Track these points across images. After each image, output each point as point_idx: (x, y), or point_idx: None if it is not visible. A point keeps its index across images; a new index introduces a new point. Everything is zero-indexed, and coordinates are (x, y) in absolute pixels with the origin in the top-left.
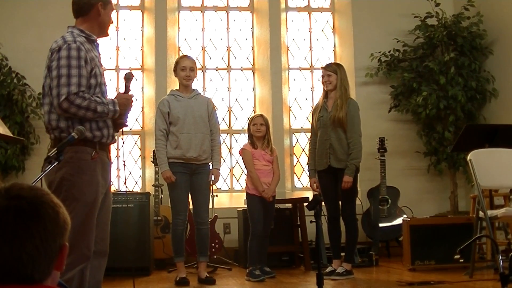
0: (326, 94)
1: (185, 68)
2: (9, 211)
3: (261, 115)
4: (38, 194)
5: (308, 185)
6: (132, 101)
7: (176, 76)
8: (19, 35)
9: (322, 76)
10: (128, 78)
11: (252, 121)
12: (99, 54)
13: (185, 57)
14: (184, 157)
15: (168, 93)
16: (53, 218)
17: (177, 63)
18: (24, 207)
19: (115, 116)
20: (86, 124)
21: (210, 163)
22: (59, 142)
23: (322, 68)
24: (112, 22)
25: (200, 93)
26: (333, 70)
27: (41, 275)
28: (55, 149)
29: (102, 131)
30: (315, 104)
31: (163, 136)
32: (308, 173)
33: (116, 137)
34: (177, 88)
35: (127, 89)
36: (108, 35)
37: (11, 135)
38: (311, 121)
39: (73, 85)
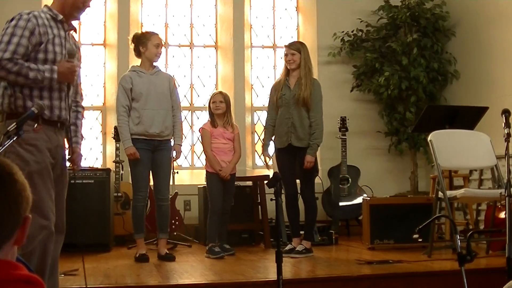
0: (287, 72)
1: (159, 46)
2: None
3: (220, 92)
4: (6, 163)
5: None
6: (75, 71)
7: (143, 51)
8: None
9: (286, 55)
10: (70, 53)
11: (212, 99)
12: (67, 35)
13: (156, 34)
14: (147, 133)
15: (129, 69)
16: (20, 187)
17: (148, 38)
18: None
19: (52, 84)
20: (29, 97)
21: (171, 140)
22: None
23: (285, 46)
24: (82, 7)
25: (160, 70)
26: (296, 49)
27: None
28: (14, 123)
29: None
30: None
31: (125, 112)
32: (262, 148)
33: (69, 120)
34: (138, 64)
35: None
36: (77, 19)
37: None
38: (270, 97)
39: (8, 52)
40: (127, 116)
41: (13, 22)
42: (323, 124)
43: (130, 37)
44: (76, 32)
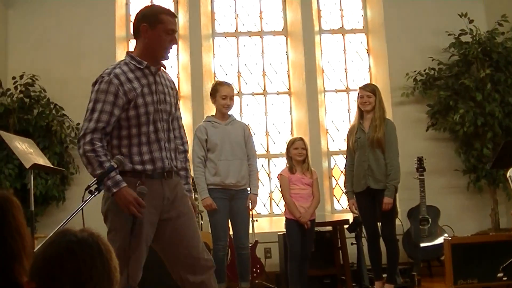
0: (361, 115)
1: (226, 97)
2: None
3: (302, 139)
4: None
5: (347, 207)
6: (130, 207)
7: (213, 102)
8: (56, 67)
9: (361, 97)
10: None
11: (293, 145)
12: (155, 81)
13: (225, 85)
14: (223, 184)
15: (204, 119)
16: (115, 269)
17: (216, 90)
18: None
19: (109, 192)
20: (129, 156)
21: (248, 188)
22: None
23: (360, 88)
24: (168, 45)
25: (235, 119)
26: (371, 91)
27: None
28: (95, 179)
29: (145, 165)
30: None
31: (201, 163)
32: (346, 195)
33: (177, 165)
34: (213, 114)
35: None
36: (163, 60)
37: (51, 166)
38: (346, 142)
39: (92, 121)
40: (203, 166)
41: (96, 87)
42: (399, 165)
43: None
44: (165, 69)
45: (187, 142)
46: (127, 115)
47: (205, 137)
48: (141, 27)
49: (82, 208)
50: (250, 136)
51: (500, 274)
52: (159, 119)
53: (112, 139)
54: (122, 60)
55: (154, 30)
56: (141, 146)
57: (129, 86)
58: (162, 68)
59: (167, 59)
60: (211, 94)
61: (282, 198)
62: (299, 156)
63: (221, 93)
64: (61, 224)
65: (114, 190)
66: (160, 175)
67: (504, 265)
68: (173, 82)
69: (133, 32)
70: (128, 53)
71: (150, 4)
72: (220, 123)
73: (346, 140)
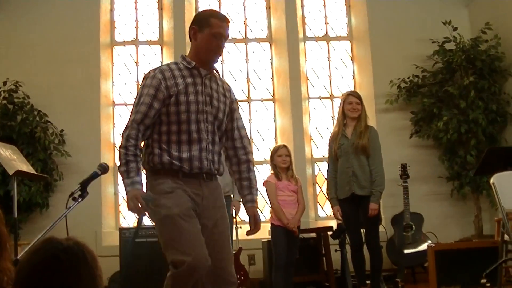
0: (343, 122)
1: None
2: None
3: (285, 146)
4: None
5: (332, 214)
6: (135, 210)
7: None
8: (40, 73)
9: (350, 103)
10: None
11: (276, 152)
12: (203, 83)
13: None
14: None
15: None
16: (100, 272)
17: None
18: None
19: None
20: (167, 151)
21: (232, 195)
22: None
23: (348, 95)
24: (216, 49)
25: None
26: (359, 98)
27: None
28: (78, 185)
29: (183, 163)
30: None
31: None
32: (330, 202)
33: (218, 169)
34: None
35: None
36: (211, 63)
37: (35, 173)
38: (328, 149)
39: (133, 114)
40: None
41: (143, 81)
42: (383, 171)
43: None
44: (218, 73)
45: (251, 153)
46: (167, 111)
47: None
48: (191, 30)
49: (66, 215)
50: None
51: (483, 280)
52: (203, 120)
53: (153, 134)
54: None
55: (203, 33)
56: (180, 144)
57: (172, 82)
58: (216, 73)
59: (215, 62)
60: None
61: (270, 204)
62: (283, 163)
63: None
64: (45, 231)
65: (128, 189)
66: (197, 175)
67: (487, 271)
68: (229, 91)
69: (188, 32)
70: (182, 55)
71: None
72: None
73: (328, 146)
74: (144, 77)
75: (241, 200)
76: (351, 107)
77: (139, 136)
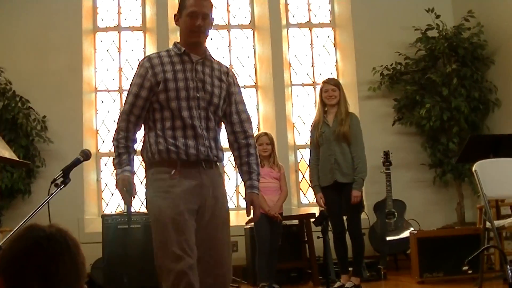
0: (324, 109)
1: None
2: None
3: (266, 134)
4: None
5: (314, 201)
6: (121, 192)
7: None
8: (22, 59)
9: (326, 91)
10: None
11: (257, 141)
12: (195, 69)
13: None
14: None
15: None
16: (83, 260)
17: None
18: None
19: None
20: (163, 137)
21: None
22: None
23: (324, 82)
24: (194, 28)
25: None
26: (336, 84)
27: None
28: (61, 172)
29: (179, 149)
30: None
31: None
32: (312, 189)
33: (217, 155)
34: None
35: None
36: (195, 45)
37: (17, 159)
38: (310, 137)
39: (126, 104)
40: None
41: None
42: (365, 157)
43: None
44: (212, 59)
45: (252, 136)
46: (157, 98)
47: None
48: (175, 17)
49: (48, 202)
50: None
51: (465, 267)
52: (195, 106)
53: (149, 122)
54: None
55: (181, 17)
56: (175, 130)
57: (160, 69)
58: (210, 57)
59: (200, 43)
60: None
61: None
62: (264, 152)
63: None
64: (27, 217)
65: (118, 177)
66: (195, 164)
67: (469, 258)
68: (227, 73)
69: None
70: (174, 42)
71: None
72: None
73: (310, 134)
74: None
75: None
76: (327, 95)
77: (129, 127)
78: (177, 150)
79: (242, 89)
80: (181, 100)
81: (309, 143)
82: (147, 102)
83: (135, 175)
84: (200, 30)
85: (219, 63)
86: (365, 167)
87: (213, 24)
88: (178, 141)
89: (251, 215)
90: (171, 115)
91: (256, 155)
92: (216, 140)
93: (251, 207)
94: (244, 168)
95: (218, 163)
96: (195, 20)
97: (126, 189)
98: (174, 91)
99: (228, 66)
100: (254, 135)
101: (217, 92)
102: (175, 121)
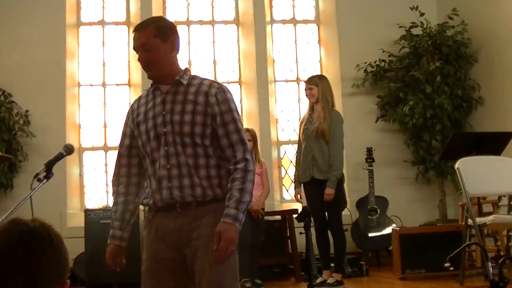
0: (312, 106)
1: None
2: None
3: (248, 130)
4: (57, 232)
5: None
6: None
7: None
8: (5, 53)
9: (305, 90)
10: None
11: None
12: (164, 101)
13: None
14: None
15: None
16: (66, 254)
17: None
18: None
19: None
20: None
21: None
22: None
23: (304, 82)
24: (140, 61)
25: None
26: (314, 83)
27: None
28: (43, 166)
29: (147, 199)
30: (302, 116)
31: None
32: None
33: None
34: None
35: None
36: (151, 77)
37: None
38: (298, 133)
39: (117, 153)
40: None
41: None
42: (342, 155)
43: None
44: (188, 81)
45: (243, 159)
46: (137, 145)
47: None
48: None
49: (30, 196)
50: None
51: (446, 264)
52: (163, 143)
53: (146, 169)
54: None
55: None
56: (150, 177)
57: (136, 112)
58: (188, 80)
59: (154, 76)
60: None
61: None
62: None
63: None
64: (9, 212)
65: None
66: (168, 208)
67: (451, 255)
68: (207, 92)
69: None
70: None
71: None
72: None
73: (298, 130)
74: None
75: None
76: (306, 94)
77: (119, 180)
78: (147, 196)
79: (226, 85)
80: (151, 141)
81: (292, 139)
82: (133, 149)
83: (125, 241)
84: (146, 64)
85: (199, 83)
86: (340, 165)
87: (170, 42)
88: (146, 189)
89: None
90: (149, 161)
91: (242, 178)
92: (199, 175)
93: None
94: (227, 196)
95: (217, 201)
96: (138, 54)
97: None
98: (144, 134)
99: (216, 84)
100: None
101: (187, 119)
102: (149, 167)
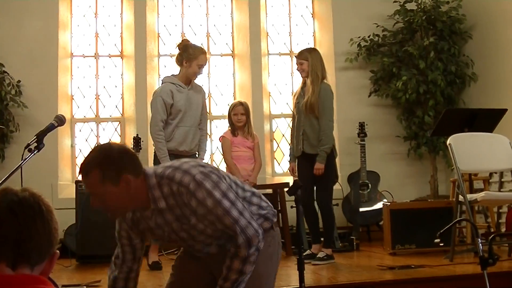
0: (304, 81)
1: (202, 66)
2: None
3: (242, 104)
4: (48, 203)
5: (288, 171)
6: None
7: (183, 64)
8: None
9: (296, 64)
10: None
11: (232, 110)
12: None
13: (204, 54)
14: (177, 150)
15: (166, 80)
16: (56, 225)
17: (195, 56)
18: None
19: None
20: None
21: (196, 153)
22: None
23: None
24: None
25: (194, 82)
26: (304, 58)
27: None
28: (35, 137)
29: None
30: (295, 90)
31: (162, 126)
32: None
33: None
34: (174, 74)
35: None
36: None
37: None
38: (292, 107)
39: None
40: (163, 131)
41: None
42: (331, 129)
43: (178, 42)
44: (164, 198)
45: (240, 246)
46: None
47: (171, 101)
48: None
49: (21, 167)
50: (205, 100)
51: (437, 240)
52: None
53: None
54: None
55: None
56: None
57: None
58: (165, 199)
59: (123, 213)
60: (185, 56)
61: (224, 159)
62: (238, 122)
63: (200, 62)
64: (0, 182)
65: None
66: None
67: (441, 231)
68: (186, 205)
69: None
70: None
71: None
72: (184, 88)
73: (291, 104)
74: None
75: None
76: (297, 68)
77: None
78: None
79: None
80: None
81: (284, 112)
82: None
83: None
84: (104, 210)
85: (170, 193)
86: (329, 139)
87: (123, 181)
88: None
89: None
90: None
91: (235, 269)
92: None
93: None
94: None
95: None
96: (92, 202)
97: None
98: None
99: (182, 188)
100: (230, 104)
101: (195, 233)
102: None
